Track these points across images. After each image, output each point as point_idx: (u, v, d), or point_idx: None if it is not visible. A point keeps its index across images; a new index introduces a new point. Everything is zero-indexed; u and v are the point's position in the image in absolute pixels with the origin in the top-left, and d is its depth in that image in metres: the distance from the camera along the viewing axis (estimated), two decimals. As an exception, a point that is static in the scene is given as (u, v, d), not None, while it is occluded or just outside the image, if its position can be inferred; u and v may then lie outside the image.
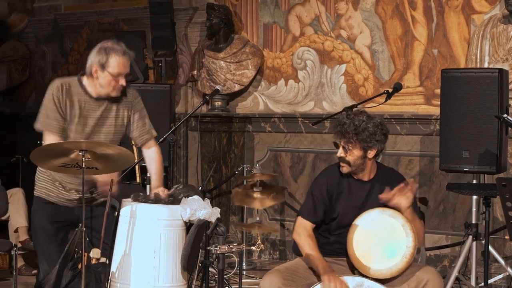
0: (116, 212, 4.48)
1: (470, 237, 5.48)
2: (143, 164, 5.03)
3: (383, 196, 4.20)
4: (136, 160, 5.96)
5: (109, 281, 4.38)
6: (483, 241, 5.31)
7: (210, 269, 4.89)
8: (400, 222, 4.15)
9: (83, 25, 9.06)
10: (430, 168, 6.73)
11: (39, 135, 4.57)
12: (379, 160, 4.61)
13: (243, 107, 7.85)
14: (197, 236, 4.33)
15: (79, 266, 4.26)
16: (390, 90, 6.03)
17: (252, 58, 7.65)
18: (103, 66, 4.46)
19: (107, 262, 4.39)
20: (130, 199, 4.48)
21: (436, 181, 6.71)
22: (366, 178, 4.34)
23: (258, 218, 5.31)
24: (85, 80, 4.55)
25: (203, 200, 4.42)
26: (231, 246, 4.26)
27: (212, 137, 7.66)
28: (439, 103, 5.75)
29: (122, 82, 4.50)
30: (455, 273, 5.49)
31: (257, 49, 7.71)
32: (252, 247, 4.35)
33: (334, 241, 4.36)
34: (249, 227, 4.47)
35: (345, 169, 4.31)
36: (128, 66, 4.53)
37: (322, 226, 4.39)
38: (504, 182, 4.01)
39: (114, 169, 4.35)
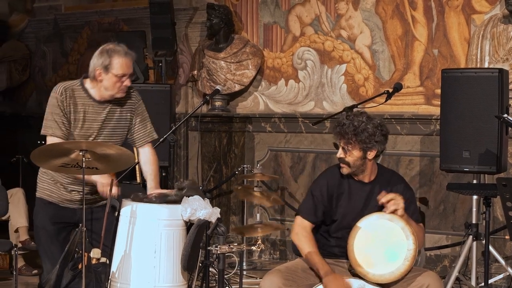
0: (116, 212, 4.48)
1: (471, 237, 5.48)
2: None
3: (380, 197, 4.19)
4: (136, 160, 5.95)
5: (109, 281, 4.38)
6: (484, 241, 5.31)
7: (210, 269, 4.89)
8: (400, 225, 4.14)
9: (83, 25, 9.06)
10: (430, 168, 6.73)
11: (39, 135, 4.57)
12: (379, 161, 4.60)
13: (244, 107, 7.85)
14: (197, 236, 4.33)
15: (80, 266, 4.26)
16: (391, 90, 6.04)
17: (252, 58, 7.65)
18: (106, 68, 4.45)
19: (108, 262, 4.39)
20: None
21: (436, 181, 6.70)
22: (366, 180, 4.33)
23: (258, 219, 5.29)
24: (88, 84, 4.54)
25: (203, 200, 4.43)
26: (231, 246, 4.26)
27: (212, 137, 7.65)
28: (439, 103, 5.75)
29: (127, 82, 4.51)
30: (455, 273, 5.49)
31: (257, 49, 7.71)
32: (252, 247, 4.35)
33: (334, 244, 4.35)
34: (250, 231, 4.45)
35: (345, 170, 4.30)
36: (131, 66, 4.54)
37: (322, 227, 4.38)
38: (504, 182, 4.02)
39: (115, 169, 4.36)
